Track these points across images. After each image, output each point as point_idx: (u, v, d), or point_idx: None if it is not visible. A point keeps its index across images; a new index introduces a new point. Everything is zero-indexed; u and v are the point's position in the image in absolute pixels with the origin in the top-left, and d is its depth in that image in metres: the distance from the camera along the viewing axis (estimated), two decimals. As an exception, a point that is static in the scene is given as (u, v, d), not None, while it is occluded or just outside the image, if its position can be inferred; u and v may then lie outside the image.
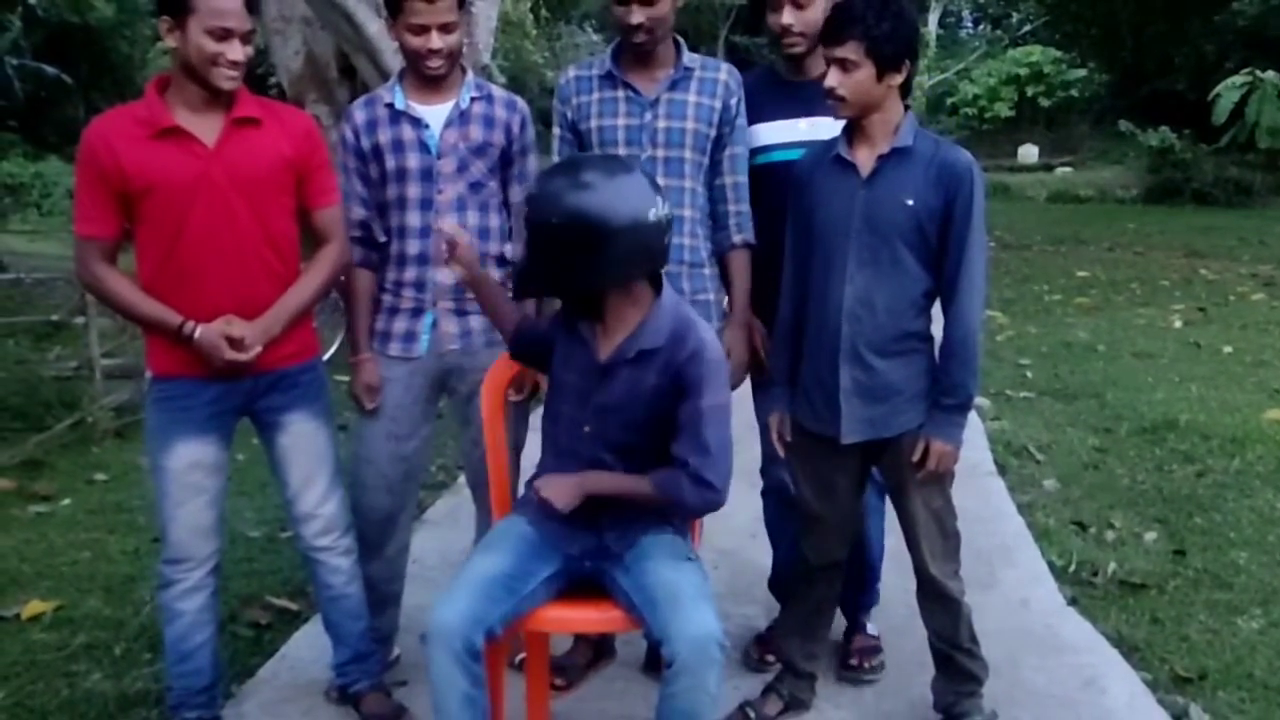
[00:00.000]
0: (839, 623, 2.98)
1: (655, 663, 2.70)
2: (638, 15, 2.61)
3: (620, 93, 2.73)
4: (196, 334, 2.35)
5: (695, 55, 2.77)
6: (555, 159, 2.68)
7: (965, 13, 36.68)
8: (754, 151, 2.80)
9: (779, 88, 2.81)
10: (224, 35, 2.28)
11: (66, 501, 4.50)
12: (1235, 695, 2.89)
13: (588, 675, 2.98)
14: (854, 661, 2.96)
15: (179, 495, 2.47)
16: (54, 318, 7.29)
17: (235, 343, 2.37)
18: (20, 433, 5.30)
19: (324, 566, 2.68)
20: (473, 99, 2.73)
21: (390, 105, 2.70)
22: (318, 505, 2.62)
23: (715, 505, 2.29)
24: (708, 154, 2.75)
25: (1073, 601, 3.46)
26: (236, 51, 2.31)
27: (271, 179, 2.43)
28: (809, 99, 2.67)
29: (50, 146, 13.78)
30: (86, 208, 2.36)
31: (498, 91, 2.82)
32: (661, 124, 2.72)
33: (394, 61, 5.45)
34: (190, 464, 2.46)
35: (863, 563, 2.99)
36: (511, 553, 2.29)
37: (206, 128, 2.36)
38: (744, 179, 2.79)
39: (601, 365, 2.29)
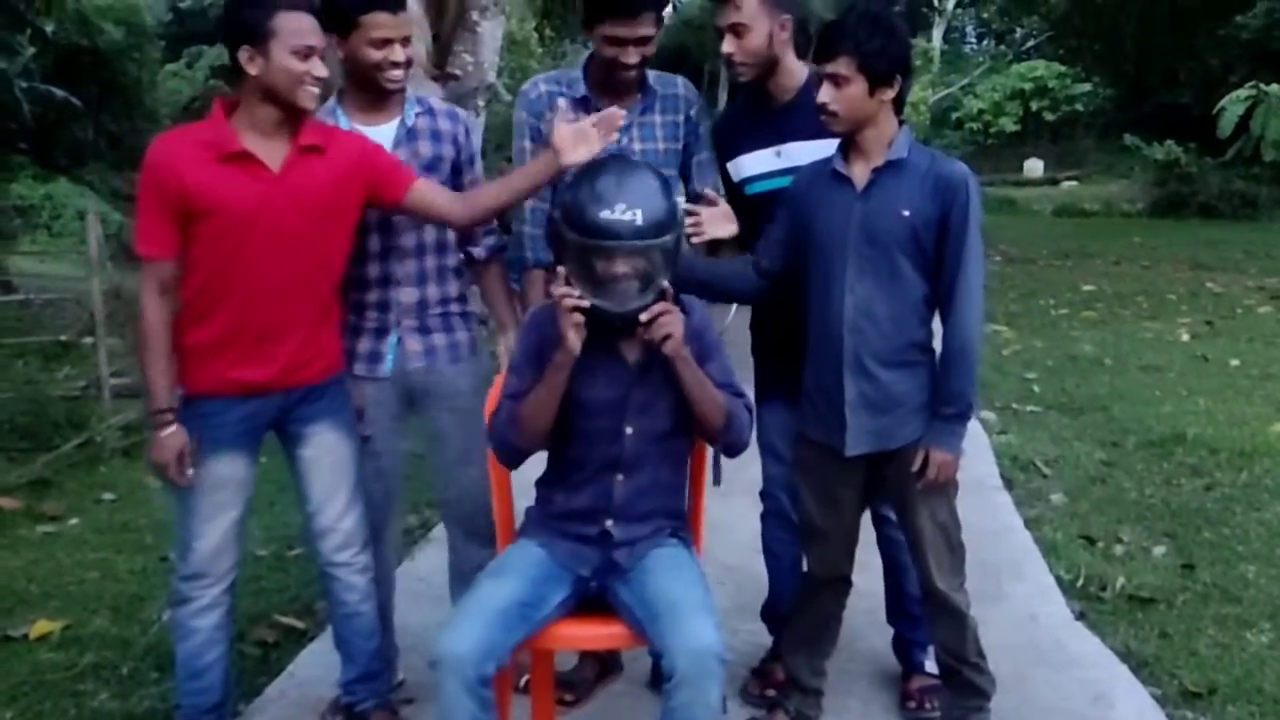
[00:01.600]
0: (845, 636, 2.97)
1: (660, 678, 2.70)
2: (634, 55, 2.66)
3: (594, 118, 2.75)
4: (162, 432, 2.38)
5: (652, 73, 2.81)
6: (517, 165, 2.73)
7: (969, 28, 36.81)
8: (742, 181, 2.82)
9: (753, 118, 2.80)
10: (308, 54, 2.32)
11: (74, 521, 4.50)
12: (1245, 710, 2.88)
13: (595, 691, 2.98)
14: (913, 704, 2.89)
15: (206, 512, 2.47)
16: (63, 338, 7.33)
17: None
18: (29, 452, 5.32)
19: (340, 583, 2.68)
20: (417, 114, 2.71)
21: None
22: (338, 519, 2.62)
23: (749, 441, 2.46)
24: (677, 167, 2.84)
25: (1081, 616, 3.45)
26: (320, 68, 2.35)
27: (331, 205, 2.45)
28: (779, 127, 2.70)
29: (60, 168, 13.87)
30: (147, 228, 2.38)
31: (437, 104, 2.81)
32: (637, 147, 2.77)
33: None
34: (218, 482, 2.47)
35: (904, 600, 2.95)
36: (524, 579, 2.28)
37: (273, 153, 2.38)
38: (713, 180, 2.86)
39: (639, 363, 2.30)
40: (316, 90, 2.37)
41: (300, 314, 2.47)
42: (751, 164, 2.78)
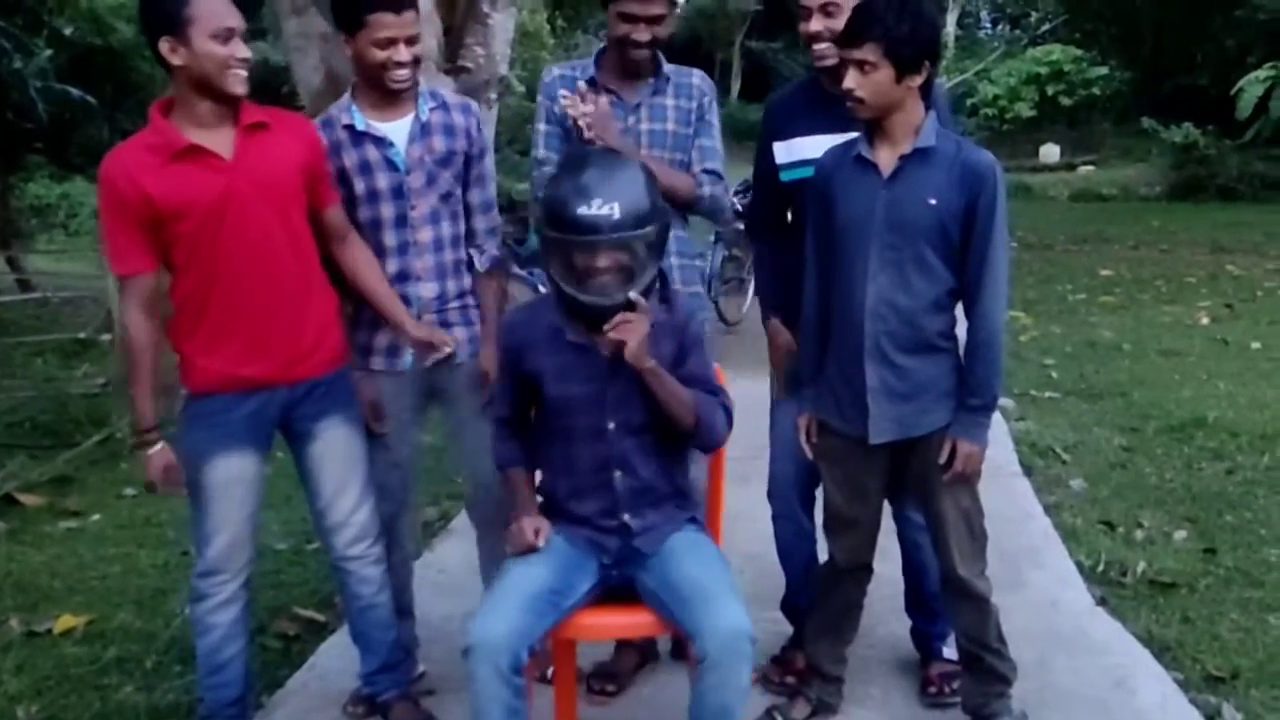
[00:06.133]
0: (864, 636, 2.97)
1: (682, 650, 2.71)
2: (646, 34, 2.67)
3: (604, 98, 2.75)
4: (149, 451, 2.42)
5: (669, 64, 2.84)
6: (540, 151, 2.77)
7: (983, 13, 36.54)
8: (792, 164, 2.78)
9: (818, 102, 2.75)
10: (228, 36, 2.30)
11: (96, 517, 4.54)
12: (1268, 694, 2.86)
13: (635, 680, 2.99)
14: (933, 689, 2.89)
15: (218, 509, 2.48)
16: (81, 335, 7.36)
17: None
18: (50, 449, 5.37)
19: (354, 576, 2.69)
20: (430, 109, 2.71)
21: (350, 127, 2.66)
22: (350, 513, 2.63)
23: (725, 439, 2.42)
24: (689, 153, 2.84)
25: (1102, 601, 3.43)
26: (243, 49, 2.33)
27: (290, 182, 2.45)
28: (847, 114, 2.66)
29: (75, 167, 13.89)
30: (119, 246, 2.38)
31: (451, 97, 2.82)
32: (645, 126, 2.79)
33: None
34: (230, 478, 2.48)
35: (924, 597, 2.95)
36: (552, 565, 2.30)
37: (221, 141, 2.38)
38: (715, 165, 2.86)
39: (614, 357, 2.30)
40: (244, 74, 2.35)
41: (283, 298, 2.46)
42: (808, 147, 2.72)
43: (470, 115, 2.79)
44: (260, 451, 2.53)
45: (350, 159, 2.66)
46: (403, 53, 2.57)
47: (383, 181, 2.67)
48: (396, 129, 2.67)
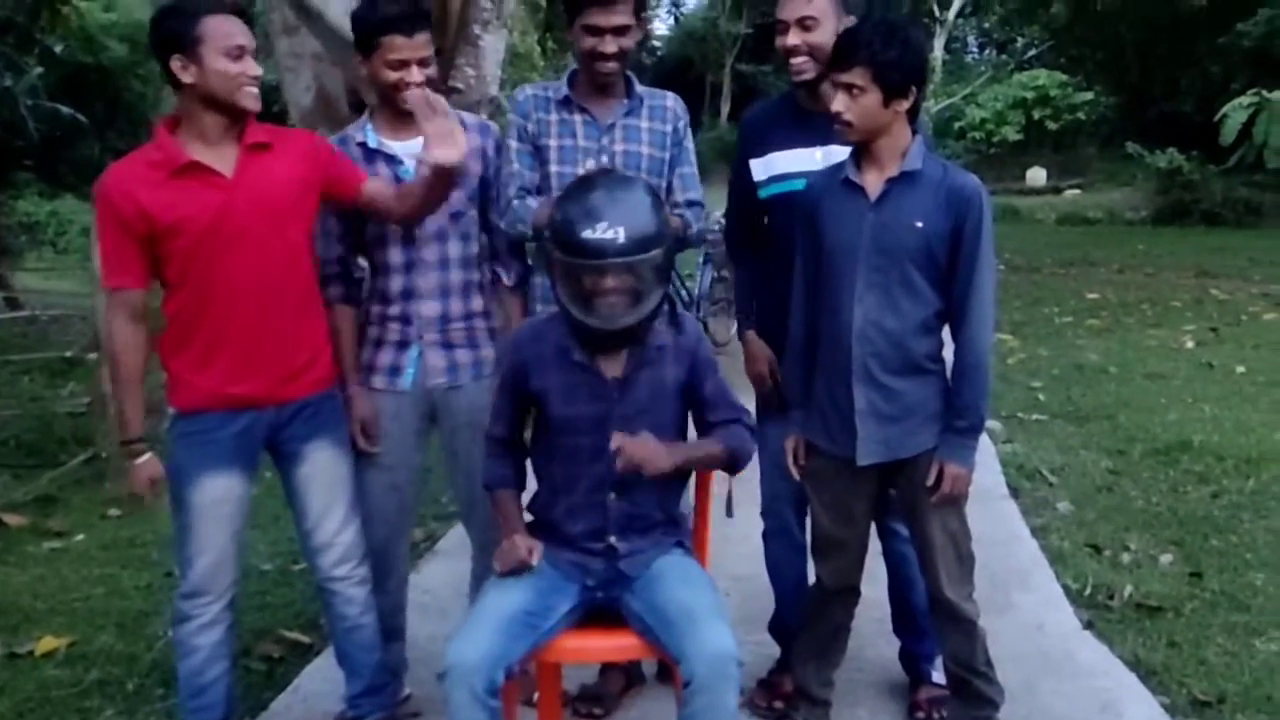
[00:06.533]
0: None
1: (668, 673, 2.69)
2: (611, 45, 2.68)
3: (577, 116, 2.78)
4: (136, 461, 2.42)
5: (642, 87, 2.86)
6: (514, 168, 2.77)
7: (970, 38, 36.83)
8: (769, 180, 2.79)
9: (795, 116, 2.77)
10: (240, 53, 2.33)
11: (80, 537, 4.51)
12: (1255, 718, 2.86)
13: (621, 703, 2.97)
14: (921, 714, 2.88)
15: (203, 530, 2.47)
16: (68, 354, 7.34)
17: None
18: (35, 469, 5.33)
19: (339, 597, 2.67)
20: None
21: (363, 144, 2.70)
22: (335, 534, 2.62)
23: (752, 454, 2.49)
24: (664, 177, 2.84)
25: (1089, 625, 3.43)
26: (254, 67, 2.36)
27: (291, 202, 2.46)
28: (825, 129, 2.65)
29: (65, 185, 13.89)
30: (112, 258, 2.39)
31: (469, 118, 2.84)
32: (619, 147, 2.80)
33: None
34: (216, 498, 2.46)
35: (911, 612, 2.94)
36: (531, 588, 2.29)
37: (223, 159, 2.39)
38: (696, 195, 2.88)
39: (618, 379, 2.32)
40: (255, 90, 2.38)
41: (278, 318, 2.46)
42: (786, 161, 2.73)
43: (488, 136, 2.82)
44: (246, 471, 2.52)
45: None
46: (415, 74, 2.60)
47: None
48: (409, 148, 2.69)
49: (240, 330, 2.42)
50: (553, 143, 2.79)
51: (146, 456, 2.43)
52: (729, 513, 2.64)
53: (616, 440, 2.22)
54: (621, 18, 2.67)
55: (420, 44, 2.60)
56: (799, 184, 2.68)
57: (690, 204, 2.87)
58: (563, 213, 2.25)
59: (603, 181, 2.33)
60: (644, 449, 2.23)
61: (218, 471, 2.46)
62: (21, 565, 4.18)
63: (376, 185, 2.61)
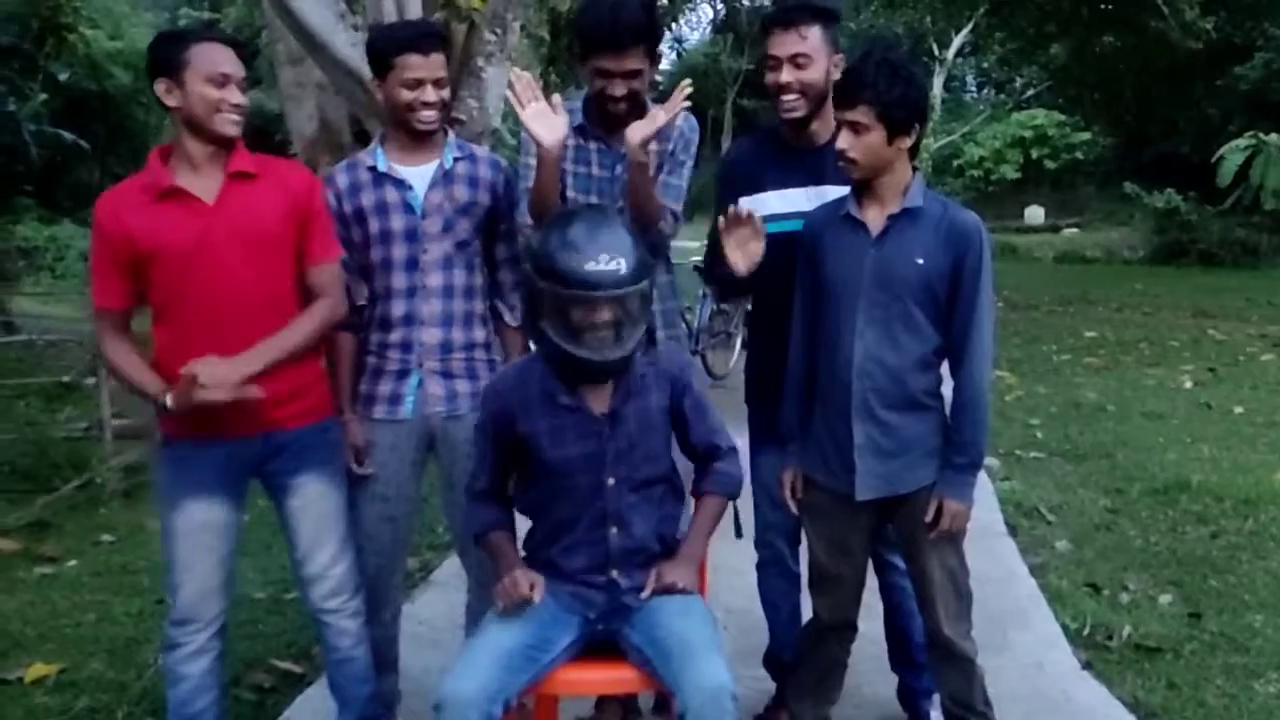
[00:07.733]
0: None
1: (664, 707, 2.67)
2: (620, 88, 2.66)
3: (592, 145, 2.77)
4: (169, 403, 2.34)
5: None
6: (524, 185, 2.73)
7: (969, 77, 37.16)
8: (763, 219, 2.71)
9: (784, 155, 2.74)
10: (223, 81, 2.35)
11: (72, 563, 4.48)
12: (1255, 762, 2.84)
13: None
14: None
15: (189, 556, 2.45)
16: (65, 379, 7.32)
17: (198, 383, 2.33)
18: (28, 494, 5.30)
19: (331, 629, 2.65)
20: (456, 159, 2.74)
21: (372, 168, 2.71)
22: (327, 567, 2.60)
23: (738, 493, 2.53)
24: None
25: (1087, 665, 3.41)
26: (236, 95, 2.38)
27: (271, 234, 2.45)
28: (814, 168, 2.65)
29: (64, 210, 13.96)
30: (99, 280, 2.41)
31: (480, 151, 2.84)
32: (619, 169, 2.74)
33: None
34: (200, 525, 2.45)
35: (908, 648, 2.92)
36: (531, 621, 2.27)
37: (206, 186, 2.40)
38: (676, 207, 2.78)
39: (607, 414, 2.32)
40: (236, 118, 2.39)
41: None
42: (780, 202, 2.71)
43: (499, 172, 2.81)
44: (231, 499, 2.51)
45: (368, 199, 2.70)
46: (430, 94, 2.62)
47: (397, 223, 2.69)
48: (418, 174, 2.70)
49: (219, 357, 2.40)
50: (568, 168, 2.76)
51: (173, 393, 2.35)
52: (738, 533, 2.63)
53: (646, 594, 2.32)
54: (633, 62, 2.63)
55: (436, 64, 2.62)
56: (794, 224, 2.64)
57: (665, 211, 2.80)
58: (556, 247, 2.22)
59: (588, 215, 2.32)
60: (670, 577, 2.31)
61: (199, 497, 2.45)
62: (12, 591, 4.14)
63: (331, 277, 2.55)
